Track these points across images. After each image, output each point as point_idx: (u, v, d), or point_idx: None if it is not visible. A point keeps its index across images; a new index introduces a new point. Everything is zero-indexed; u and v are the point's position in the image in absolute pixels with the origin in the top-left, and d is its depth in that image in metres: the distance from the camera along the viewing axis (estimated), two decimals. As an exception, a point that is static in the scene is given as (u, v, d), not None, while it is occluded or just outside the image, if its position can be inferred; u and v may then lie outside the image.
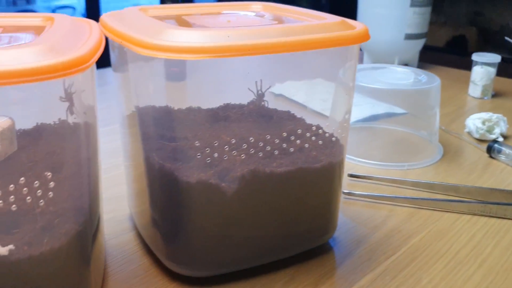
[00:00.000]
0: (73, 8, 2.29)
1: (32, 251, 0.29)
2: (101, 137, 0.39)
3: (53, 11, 2.19)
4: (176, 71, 0.39)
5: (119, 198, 0.51)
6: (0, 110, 0.35)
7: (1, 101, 0.34)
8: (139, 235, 0.45)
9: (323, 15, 0.41)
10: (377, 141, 0.70)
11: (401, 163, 0.61)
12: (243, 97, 0.44)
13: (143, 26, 0.36)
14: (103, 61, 0.38)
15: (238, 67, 0.41)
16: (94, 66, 0.36)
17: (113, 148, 0.54)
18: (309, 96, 0.47)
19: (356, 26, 0.39)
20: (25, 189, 0.30)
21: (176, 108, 0.41)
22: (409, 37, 0.98)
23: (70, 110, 0.32)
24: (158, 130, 0.39)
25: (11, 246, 0.29)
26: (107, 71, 0.84)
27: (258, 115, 0.43)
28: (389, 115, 0.70)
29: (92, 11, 1.94)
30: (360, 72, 0.68)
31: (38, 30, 0.35)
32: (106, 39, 0.36)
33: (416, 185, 0.56)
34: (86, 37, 0.33)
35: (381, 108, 0.71)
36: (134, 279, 0.40)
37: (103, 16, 0.41)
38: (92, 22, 0.38)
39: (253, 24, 0.42)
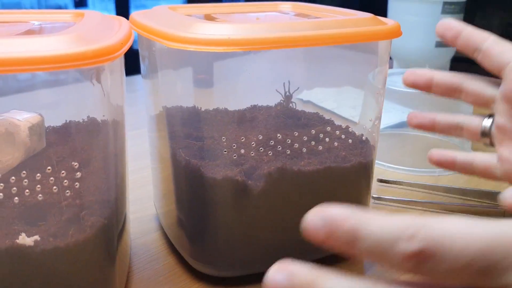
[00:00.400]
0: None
1: (58, 243, 0.29)
2: (127, 141, 0.39)
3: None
4: (203, 78, 0.39)
5: (144, 199, 0.51)
6: (31, 109, 0.36)
7: (33, 102, 0.35)
8: (165, 235, 0.45)
9: (354, 12, 0.40)
10: (408, 147, 0.68)
11: (432, 169, 0.60)
12: (270, 101, 0.44)
13: (172, 21, 0.36)
14: (130, 69, 0.38)
15: (266, 74, 0.41)
16: (123, 66, 0.36)
17: (139, 151, 0.54)
18: (338, 102, 0.46)
19: (387, 22, 0.38)
20: (51, 178, 0.30)
21: (203, 109, 0.40)
22: (440, 45, 0.97)
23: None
24: (185, 130, 0.39)
25: (36, 237, 0.29)
26: (134, 78, 0.85)
27: (286, 116, 0.42)
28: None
29: (122, 14, 1.97)
30: (390, 77, 0.67)
31: (69, 24, 0.36)
32: (137, 50, 0.36)
33: (448, 191, 0.54)
34: (116, 30, 0.33)
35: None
36: (158, 278, 0.39)
37: (133, 14, 0.41)
38: (121, 18, 0.38)
39: (283, 21, 0.41)
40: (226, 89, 0.41)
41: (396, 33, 0.36)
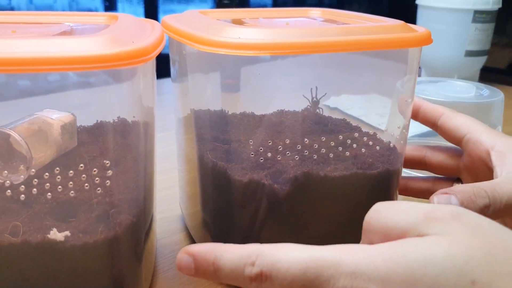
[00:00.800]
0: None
1: (87, 239, 0.30)
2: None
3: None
4: (230, 83, 0.39)
5: (170, 200, 0.52)
6: (64, 109, 0.37)
7: (66, 102, 0.36)
8: (190, 236, 0.45)
9: (384, 19, 0.40)
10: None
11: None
12: (296, 107, 0.44)
13: (203, 25, 0.36)
14: (159, 72, 0.39)
15: (293, 79, 0.41)
16: (155, 69, 0.36)
17: (165, 153, 0.55)
18: (364, 109, 0.46)
19: (418, 29, 0.38)
20: (83, 176, 0.30)
21: (230, 112, 0.41)
22: (469, 54, 0.95)
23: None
24: (213, 133, 0.40)
25: (67, 233, 0.30)
26: (163, 81, 0.86)
27: (313, 122, 0.42)
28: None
29: (151, 18, 2.00)
30: (418, 85, 0.66)
31: (104, 26, 0.37)
32: (165, 54, 0.37)
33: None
34: (149, 33, 0.34)
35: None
36: (182, 278, 0.40)
37: (165, 18, 0.42)
38: (154, 21, 0.39)
39: (312, 26, 0.41)
40: (252, 94, 0.41)
41: (426, 40, 0.36)
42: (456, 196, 0.34)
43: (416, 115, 0.43)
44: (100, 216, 0.31)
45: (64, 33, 0.34)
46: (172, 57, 0.44)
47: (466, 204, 0.34)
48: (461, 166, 0.43)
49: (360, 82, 0.43)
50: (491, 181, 0.36)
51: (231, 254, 0.26)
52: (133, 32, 0.32)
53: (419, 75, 1.07)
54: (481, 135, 0.40)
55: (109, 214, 0.31)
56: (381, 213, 0.26)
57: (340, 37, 0.33)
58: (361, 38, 0.33)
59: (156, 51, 0.30)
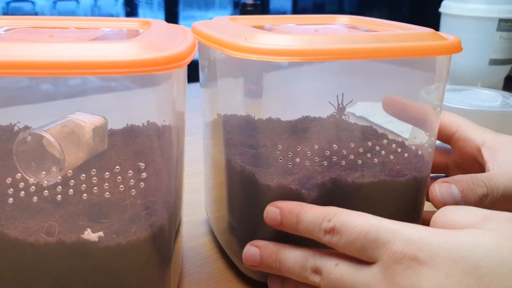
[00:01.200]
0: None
1: (120, 240, 0.30)
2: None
3: (95, 0, 2.23)
4: (254, 89, 0.39)
5: (196, 203, 0.52)
6: (95, 112, 0.37)
7: (97, 105, 0.37)
8: (215, 239, 0.46)
9: (413, 26, 0.40)
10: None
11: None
12: (322, 113, 0.44)
13: (234, 31, 0.37)
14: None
15: (316, 85, 0.41)
16: (186, 73, 0.37)
17: (190, 157, 0.56)
18: (389, 117, 0.46)
19: (447, 37, 0.38)
20: (119, 177, 0.31)
21: (256, 118, 0.41)
22: (493, 62, 0.95)
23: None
24: (240, 137, 0.40)
25: (100, 233, 0.30)
26: (191, 86, 0.87)
27: (340, 128, 0.43)
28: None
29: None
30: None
31: (137, 32, 0.37)
32: (195, 61, 0.37)
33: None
34: (182, 39, 0.34)
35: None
36: (208, 282, 0.40)
37: (195, 24, 0.42)
38: (185, 27, 0.39)
39: (342, 33, 0.42)
40: (276, 100, 0.41)
41: (457, 48, 0.36)
42: (456, 185, 0.37)
43: (403, 114, 0.43)
44: (133, 217, 0.31)
45: (100, 38, 0.35)
46: (201, 63, 0.45)
47: (466, 192, 0.36)
48: (450, 163, 0.45)
49: (385, 90, 0.43)
50: (486, 173, 0.38)
51: (314, 210, 0.33)
52: (167, 38, 0.33)
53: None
54: (470, 132, 0.42)
55: (142, 215, 0.31)
56: (446, 213, 0.30)
57: (373, 44, 0.33)
58: (393, 45, 0.34)
59: (190, 56, 0.31)
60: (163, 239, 0.33)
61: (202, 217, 0.50)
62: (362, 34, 0.35)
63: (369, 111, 0.46)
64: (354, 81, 0.40)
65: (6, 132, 0.37)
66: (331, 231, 0.31)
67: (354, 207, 0.38)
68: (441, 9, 1.00)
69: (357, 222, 0.31)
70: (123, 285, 0.32)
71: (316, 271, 0.32)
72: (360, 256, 0.30)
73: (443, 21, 1.01)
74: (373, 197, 0.38)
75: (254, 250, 0.36)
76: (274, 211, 0.35)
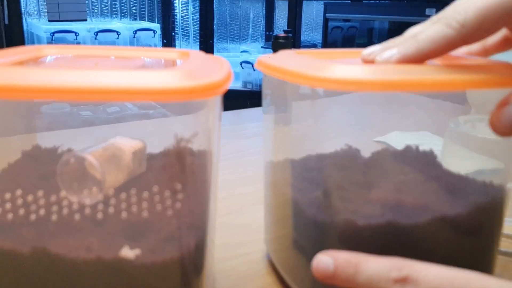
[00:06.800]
0: (154, 31, 2.40)
1: (155, 258, 0.32)
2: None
3: (134, 32, 2.34)
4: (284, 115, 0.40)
5: (228, 226, 0.54)
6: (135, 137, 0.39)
7: (137, 130, 0.38)
8: (247, 262, 0.47)
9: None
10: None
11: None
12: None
13: (305, 64, 0.37)
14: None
15: (346, 117, 0.42)
16: (221, 101, 0.39)
17: (223, 181, 0.57)
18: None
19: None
20: (156, 197, 0.33)
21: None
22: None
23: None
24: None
25: (137, 251, 0.32)
26: (225, 114, 0.89)
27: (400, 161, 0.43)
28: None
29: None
30: (467, 123, 0.65)
31: (174, 62, 0.39)
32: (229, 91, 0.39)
33: None
34: (218, 68, 0.36)
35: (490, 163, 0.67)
36: (238, 304, 0.41)
37: (260, 58, 0.42)
38: (222, 58, 0.41)
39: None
40: (305, 128, 0.42)
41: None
42: None
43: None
44: (168, 237, 0.33)
45: (143, 67, 0.37)
46: (264, 92, 0.46)
47: None
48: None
49: (413, 120, 0.43)
50: None
51: (378, 260, 0.30)
52: (205, 67, 0.35)
53: (469, 113, 1.05)
54: None
55: (177, 235, 0.33)
56: None
57: (458, 75, 0.33)
58: (469, 77, 0.33)
59: (226, 84, 0.32)
60: (196, 259, 0.34)
61: (231, 241, 0.51)
62: (437, 65, 0.35)
63: (397, 140, 0.46)
64: (381, 110, 0.41)
65: (51, 154, 0.40)
66: (404, 280, 0.28)
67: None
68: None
69: (436, 271, 0.28)
70: (156, 303, 0.33)
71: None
72: None
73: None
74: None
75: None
76: (326, 260, 0.31)
